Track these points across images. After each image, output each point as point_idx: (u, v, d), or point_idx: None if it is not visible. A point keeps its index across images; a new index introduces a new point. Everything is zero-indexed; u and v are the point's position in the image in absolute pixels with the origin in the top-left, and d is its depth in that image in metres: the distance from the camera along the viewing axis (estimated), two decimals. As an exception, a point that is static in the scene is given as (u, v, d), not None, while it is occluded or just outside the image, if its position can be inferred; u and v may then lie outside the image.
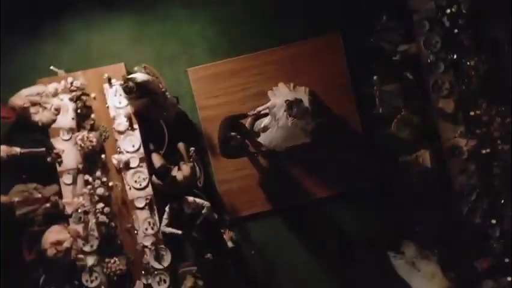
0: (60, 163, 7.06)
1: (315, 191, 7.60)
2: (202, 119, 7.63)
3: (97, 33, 7.70)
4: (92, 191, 6.99)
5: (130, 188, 7.12)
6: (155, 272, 7.05)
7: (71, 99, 7.07)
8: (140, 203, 7.09)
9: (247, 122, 7.31)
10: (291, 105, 6.71)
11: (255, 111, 7.10)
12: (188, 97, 7.70)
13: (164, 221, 6.90)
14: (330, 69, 7.60)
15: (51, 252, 6.64)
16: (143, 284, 7.05)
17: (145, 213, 7.10)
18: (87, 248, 7.02)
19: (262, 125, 7.17)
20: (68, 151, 7.07)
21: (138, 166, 7.13)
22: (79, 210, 7.00)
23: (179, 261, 7.24)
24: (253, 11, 7.79)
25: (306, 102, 6.92)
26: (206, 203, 6.97)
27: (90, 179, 7.03)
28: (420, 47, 7.15)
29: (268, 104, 7.04)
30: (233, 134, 6.74)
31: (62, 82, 7.10)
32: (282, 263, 7.62)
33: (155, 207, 7.13)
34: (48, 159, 6.99)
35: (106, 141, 7.19)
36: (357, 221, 7.63)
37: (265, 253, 7.65)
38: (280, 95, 7.16)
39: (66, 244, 6.77)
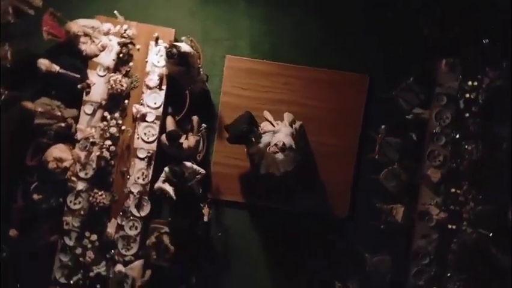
0: (87, 93, 7.38)
1: (293, 202, 7.90)
2: (222, 103, 7.97)
3: (159, -5, 8.02)
4: (105, 128, 7.30)
5: (138, 138, 7.43)
6: (131, 218, 7.38)
7: (118, 43, 7.38)
8: (141, 154, 7.43)
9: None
10: (285, 149, 6.97)
11: (262, 130, 7.36)
12: (217, 80, 8.04)
13: (161, 179, 7.25)
14: (348, 104, 7.92)
15: (51, 165, 7.06)
16: (117, 223, 7.37)
17: (142, 164, 7.42)
18: (82, 174, 7.34)
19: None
20: (98, 86, 7.40)
21: (152, 122, 7.44)
22: (89, 139, 7.34)
23: (155, 217, 7.56)
24: (303, 27, 8.09)
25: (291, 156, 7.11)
26: (202, 170, 7.36)
27: (108, 117, 7.33)
28: (431, 117, 7.43)
29: (275, 129, 7.32)
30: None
31: (118, 26, 7.43)
32: (240, 252, 7.94)
33: (153, 162, 7.43)
34: (79, 86, 7.31)
35: (133, 90, 7.48)
36: (319, 244, 7.93)
37: (229, 238, 7.96)
38: (286, 129, 7.37)
39: (66, 164, 7.18)
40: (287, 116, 7.73)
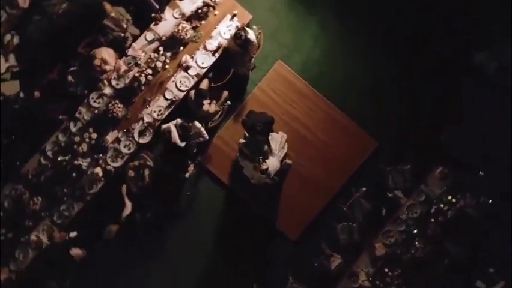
0: (156, 24, 8.04)
1: (259, 205, 8.38)
2: (252, 95, 8.59)
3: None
4: (154, 58, 7.96)
5: (173, 81, 8.01)
6: (130, 138, 7.98)
7: (203, 1, 8.05)
8: (168, 95, 8.01)
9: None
10: (264, 174, 7.54)
11: (270, 143, 7.90)
12: (260, 73, 8.61)
13: (172, 123, 7.74)
14: (349, 154, 8.41)
15: (96, 62, 7.76)
16: (117, 136, 7.96)
17: (164, 103, 8.02)
18: (113, 82, 7.97)
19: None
20: (167, 23, 8.04)
21: (192, 76, 8.01)
22: (136, 59, 7.95)
23: (147, 149, 8.11)
24: (353, 76, 8.56)
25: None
26: (206, 136, 7.93)
27: (161, 52, 8.00)
28: (405, 205, 7.87)
29: (274, 152, 7.88)
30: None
31: (210, -10, 8.08)
32: (196, 218, 8.43)
33: (173, 107, 8.01)
34: (153, 15, 7.96)
35: (192, 43, 8.09)
36: (259, 249, 8.43)
37: (194, 201, 8.46)
38: (276, 162, 7.87)
39: (107, 67, 7.87)
40: (283, 151, 8.18)
